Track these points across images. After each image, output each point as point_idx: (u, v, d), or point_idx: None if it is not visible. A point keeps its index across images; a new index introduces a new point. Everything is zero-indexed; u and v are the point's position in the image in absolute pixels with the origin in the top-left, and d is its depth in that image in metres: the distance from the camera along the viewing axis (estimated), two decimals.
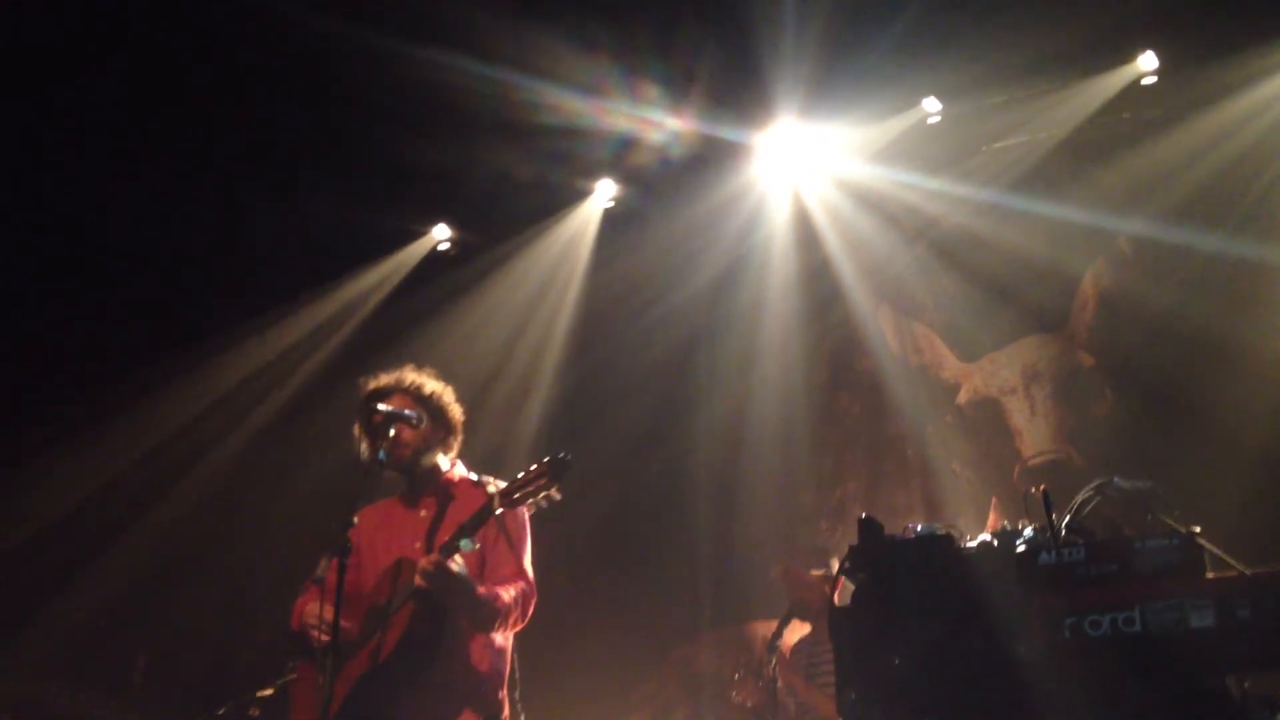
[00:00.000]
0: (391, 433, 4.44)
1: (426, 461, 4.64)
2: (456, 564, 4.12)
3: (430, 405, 4.66)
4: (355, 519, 4.20)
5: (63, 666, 8.00)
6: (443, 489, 4.63)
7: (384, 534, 4.61)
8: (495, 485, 4.40)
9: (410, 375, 4.72)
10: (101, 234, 8.12)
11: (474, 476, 4.66)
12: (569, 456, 4.20)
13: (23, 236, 7.91)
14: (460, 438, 4.77)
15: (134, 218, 8.03)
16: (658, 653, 8.68)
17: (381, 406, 4.44)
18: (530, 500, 4.18)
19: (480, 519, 4.19)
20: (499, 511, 4.21)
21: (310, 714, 4.22)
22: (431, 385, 4.72)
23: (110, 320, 8.34)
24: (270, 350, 9.12)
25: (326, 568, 4.12)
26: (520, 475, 4.24)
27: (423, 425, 4.60)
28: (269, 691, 5.70)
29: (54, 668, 7.97)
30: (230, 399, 9.08)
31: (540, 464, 4.21)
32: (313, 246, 8.50)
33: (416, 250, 9.14)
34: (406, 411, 4.52)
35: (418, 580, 4.10)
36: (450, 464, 4.72)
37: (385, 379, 4.70)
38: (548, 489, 4.18)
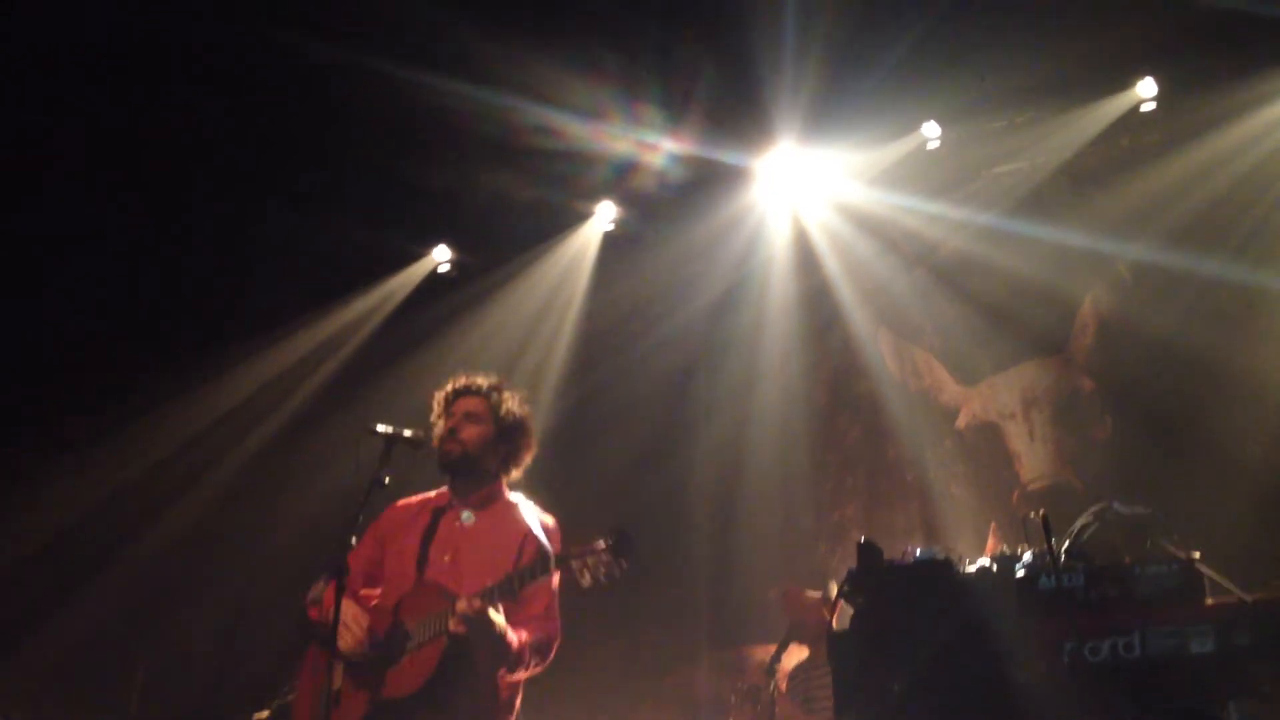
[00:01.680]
0: (390, 454, 4.40)
1: (480, 467, 4.60)
2: (497, 612, 4.06)
3: (504, 416, 4.64)
4: (353, 541, 4.17)
5: (61, 683, 7.98)
6: (487, 502, 4.59)
7: (414, 531, 4.58)
8: (548, 531, 4.40)
9: (503, 386, 4.71)
10: (105, 251, 8.13)
11: (532, 517, 4.54)
12: (632, 534, 4.02)
13: (26, 252, 7.91)
14: (521, 470, 4.73)
15: (138, 236, 8.06)
16: (655, 676, 8.65)
17: (381, 429, 4.40)
18: (588, 575, 3.99)
19: (531, 576, 4.10)
20: (545, 577, 4.12)
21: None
22: (515, 401, 4.70)
23: (112, 337, 8.35)
24: (270, 369, 9.12)
25: (323, 589, 4.09)
26: (584, 547, 4.05)
27: (489, 429, 4.58)
28: (265, 714, 5.67)
29: (52, 684, 7.94)
30: (230, 417, 9.07)
31: (604, 537, 4.04)
32: (314, 266, 8.51)
33: (417, 271, 9.15)
34: (407, 433, 4.50)
35: (453, 625, 4.03)
36: (504, 483, 4.68)
37: (480, 379, 4.70)
38: (611, 566, 3.98)
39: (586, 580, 4.00)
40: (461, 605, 4.05)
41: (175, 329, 8.62)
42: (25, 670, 8.02)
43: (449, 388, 4.71)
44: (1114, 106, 7.50)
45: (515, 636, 4.18)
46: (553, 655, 4.41)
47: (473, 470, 4.58)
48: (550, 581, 4.39)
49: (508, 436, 4.66)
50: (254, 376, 9.09)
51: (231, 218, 8.02)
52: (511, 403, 4.70)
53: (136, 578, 8.54)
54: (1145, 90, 7.40)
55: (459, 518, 4.52)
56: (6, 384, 8.24)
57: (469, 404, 4.63)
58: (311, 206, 7.95)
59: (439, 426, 4.61)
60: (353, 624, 4.20)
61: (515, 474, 4.73)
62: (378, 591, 4.48)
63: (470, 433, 4.57)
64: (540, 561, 4.14)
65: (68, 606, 8.34)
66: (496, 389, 4.69)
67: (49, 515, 8.41)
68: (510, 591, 4.10)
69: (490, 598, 4.08)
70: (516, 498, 4.64)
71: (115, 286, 8.31)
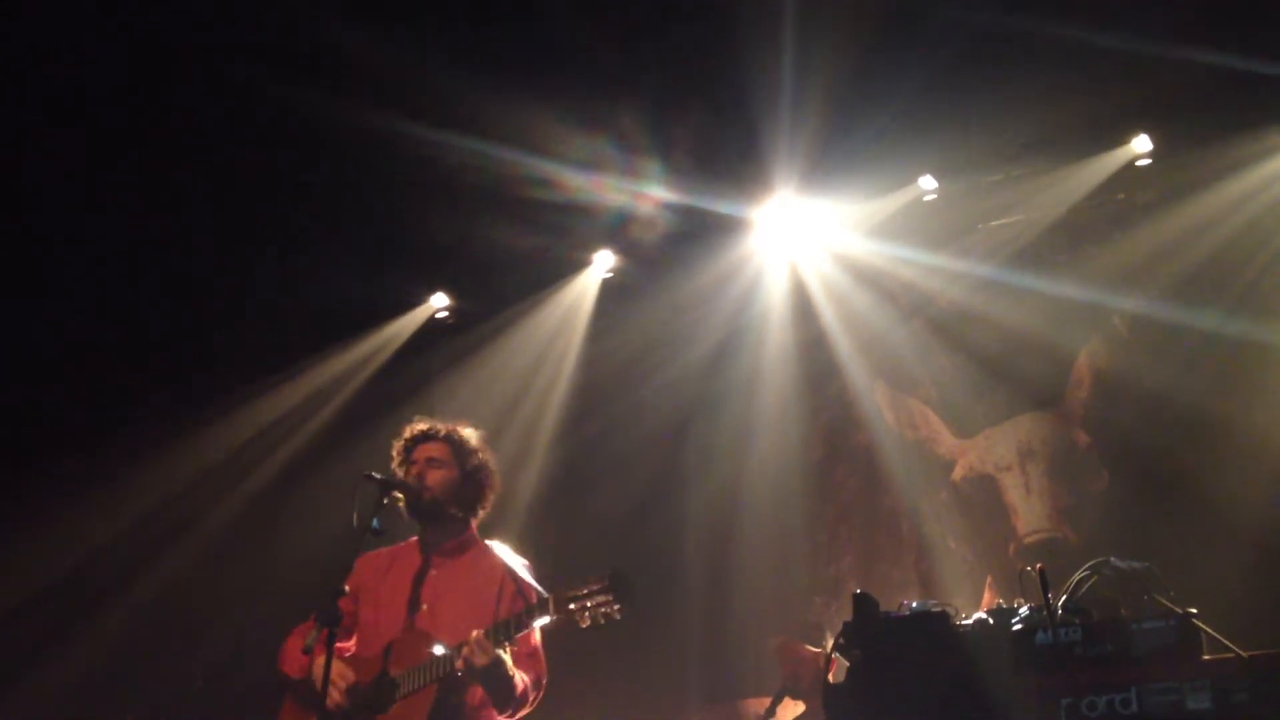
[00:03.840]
0: (386, 501, 4.37)
1: (448, 513, 4.58)
2: (505, 653, 4.06)
3: (467, 459, 4.62)
4: (345, 588, 4.14)
5: None
6: (460, 550, 4.57)
7: (390, 581, 4.55)
8: (529, 573, 4.35)
9: (461, 428, 4.70)
10: (99, 300, 8.14)
11: (510, 560, 4.51)
12: (631, 576, 4.03)
13: (21, 288, 7.92)
14: (485, 511, 4.73)
15: (132, 284, 8.07)
16: None
17: (376, 476, 4.38)
18: (588, 616, 3.99)
19: (526, 622, 4.08)
20: (548, 620, 4.07)
21: None
22: (476, 443, 4.69)
23: (107, 382, 8.34)
24: (267, 415, 9.10)
25: (315, 638, 4.07)
26: (583, 589, 4.04)
27: (454, 473, 4.56)
28: None
29: None
30: (225, 464, 9.05)
31: (601, 578, 4.04)
32: (311, 313, 8.53)
33: (414, 318, 9.16)
34: (404, 480, 4.49)
35: (459, 665, 4.00)
36: (474, 527, 4.67)
37: (439, 424, 4.68)
38: (609, 608, 3.98)
39: (585, 622, 3.98)
40: (474, 645, 3.99)
41: (171, 375, 8.62)
42: (17, 716, 7.96)
43: (407, 434, 4.68)
44: (1110, 162, 7.54)
45: (520, 678, 4.17)
46: (541, 694, 4.40)
47: (442, 516, 4.55)
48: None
49: (473, 479, 4.63)
50: (250, 422, 9.07)
51: (228, 264, 8.04)
52: (474, 444, 4.67)
53: (129, 623, 8.48)
54: (1141, 146, 7.45)
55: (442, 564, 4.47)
56: (2, 428, 8.23)
57: (431, 449, 4.60)
58: (309, 253, 7.97)
59: (402, 474, 4.57)
60: (337, 679, 4.16)
61: (482, 515, 4.70)
62: (351, 643, 4.45)
63: (436, 478, 4.53)
64: (540, 604, 4.11)
65: (60, 652, 8.28)
66: (456, 431, 4.67)
67: (41, 561, 8.36)
68: (508, 636, 4.07)
69: (494, 638, 4.04)
70: (491, 542, 4.60)
71: (110, 331, 8.31)
